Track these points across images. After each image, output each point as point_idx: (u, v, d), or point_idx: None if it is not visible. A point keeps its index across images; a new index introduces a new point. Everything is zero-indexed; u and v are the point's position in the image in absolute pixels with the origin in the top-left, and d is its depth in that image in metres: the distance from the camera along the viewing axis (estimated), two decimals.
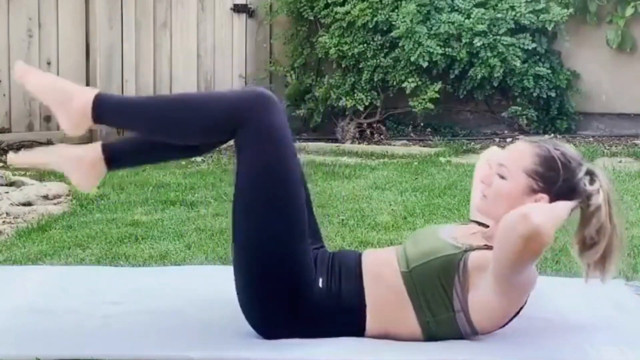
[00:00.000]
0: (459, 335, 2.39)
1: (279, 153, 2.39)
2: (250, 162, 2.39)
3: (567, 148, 2.42)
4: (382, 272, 2.42)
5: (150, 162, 2.67)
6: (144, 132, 2.52)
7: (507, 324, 2.40)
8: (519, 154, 2.40)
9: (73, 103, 2.49)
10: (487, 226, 2.48)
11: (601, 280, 2.43)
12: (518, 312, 2.40)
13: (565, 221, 2.33)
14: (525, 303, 2.39)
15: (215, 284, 2.85)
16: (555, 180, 2.36)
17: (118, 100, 2.53)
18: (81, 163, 2.59)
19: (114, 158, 2.59)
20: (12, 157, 2.66)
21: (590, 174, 2.40)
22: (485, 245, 2.38)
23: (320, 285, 2.41)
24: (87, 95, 2.48)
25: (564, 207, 2.30)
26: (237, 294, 2.43)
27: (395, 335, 2.39)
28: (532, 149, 2.39)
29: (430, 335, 2.38)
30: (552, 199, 2.34)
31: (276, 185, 2.38)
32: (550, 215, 2.23)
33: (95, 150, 2.59)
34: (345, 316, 2.40)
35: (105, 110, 2.47)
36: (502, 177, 2.39)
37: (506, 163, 2.40)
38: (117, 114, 2.49)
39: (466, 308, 2.35)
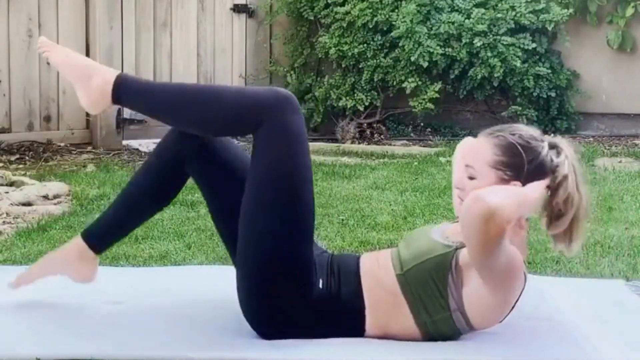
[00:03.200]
0: (457, 333, 2.39)
1: (295, 154, 2.40)
2: (265, 160, 2.40)
3: (524, 129, 2.42)
4: (378, 275, 2.43)
5: (133, 228, 2.71)
6: (163, 119, 2.53)
7: (504, 318, 2.39)
8: (480, 151, 2.40)
9: (93, 81, 2.50)
10: None
11: (567, 251, 2.41)
12: (513, 306, 2.38)
13: (542, 201, 2.33)
14: (519, 296, 2.38)
15: (215, 284, 2.85)
16: (522, 165, 2.35)
17: (140, 85, 2.53)
18: (70, 261, 2.66)
19: (98, 242, 2.66)
20: (12, 285, 2.70)
21: (554, 146, 2.40)
22: None
23: (320, 286, 2.41)
24: (109, 76, 2.49)
25: (534, 187, 2.30)
26: (238, 291, 2.43)
27: (394, 336, 2.40)
28: (491, 141, 2.39)
29: (429, 335, 2.39)
30: (525, 183, 2.33)
31: (287, 186, 2.39)
32: (508, 195, 2.23)
33: (77, 243, 2.66)
34: (344, 317, 2.40)
35: (125, 93, 2.49)
36: (472, 178, 2.39)
37: (471, 163, 2.40)
38: (137, 98, 2.51)
39: (462, 306, 2.35)
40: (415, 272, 2.38)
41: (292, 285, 2.39)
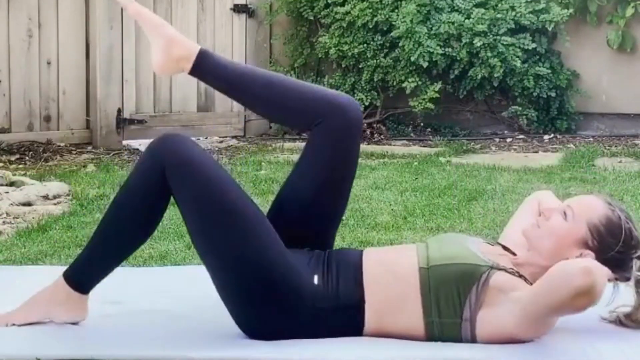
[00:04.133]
0: (458, 340, 2.38)
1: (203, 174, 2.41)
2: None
3: (636, 226, 2.43)
4: (395, 265, 2.41)
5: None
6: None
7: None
8: (589, 205, 2.42)
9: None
10: (514, 253, 2.49)
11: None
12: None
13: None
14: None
15: None
16: (611, 248, 2.37)
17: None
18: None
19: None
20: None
21: None
22: (512, 269, 2.38)
23: (316, 282, 2.40)
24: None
25: (607, 273, 2.31)
26: (229, 311, 2.43)
27: (394, 332, 2.39)
28: (605, 208, 2.40)
29: (432, 335, 2.38)
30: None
31: (216, 206, 2.39)
32: (605, 275, 2.25)
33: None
34: (343, 313, 2.39)
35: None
36: (564, 217, 2.40)
37: (573, 207, 2.41)
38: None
39: (474, 320, 2.34)
40: (441, 271, 2.36)
41: (276, 292, 2.36)
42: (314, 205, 2.52)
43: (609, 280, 2.37)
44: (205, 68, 2.53)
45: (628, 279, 2.42)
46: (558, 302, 2.22)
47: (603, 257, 2.35)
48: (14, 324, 2.50)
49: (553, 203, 2.59)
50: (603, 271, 2.25)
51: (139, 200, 2.45)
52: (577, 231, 2.38)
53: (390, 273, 2.40)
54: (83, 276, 2.51)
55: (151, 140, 2.52)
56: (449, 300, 2.35)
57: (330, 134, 2.48)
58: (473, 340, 2.36)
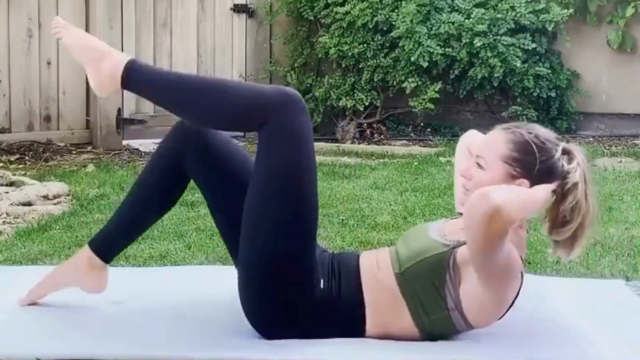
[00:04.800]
0: (455, 332, 2.39)
1: (300, 154, 2.40)
2: (269, 160, 2.40)
3: (541, 129, 2.41)
4: (378, 274, 2.43)
5: (141, 233, 2.73)
6: (170, 109, 2.53)
7: (502, 316, 2.39)
8: (493, 143, 2.39)
9: (104, 64, 2.50)
10: None
11: (565, 257, 2.40)
12: (512, 304, 2.38)
13: (546, 204, 2.33)
14: (517, 293, 2.37)
15: (215, 284, 2.85)
16: (533, 164, 2.35)
17: (150, 72, 2.52)
18: (80, 272, 2.65)
19: (107, 250, 2.66)
20: (24, 301, 2.69)
21: (568, 152, 2.39)
22: None
23: (322, 286, 2.41)
24: (119, 59, 2.49)
25: (540, 190, 2.29)
26: (240, 291, 2.43)
27: (393, 335, 2.40)
28: (506, 136, 2.38)
29: (427, 334, 2.39)
30: (533, 183, 2.33)
31: (291, 187, 2.39)
32: (514, 195, 2.23)
33: (86, 254, 2.66)
34: (344, 317, 2.40)
35: (135, 78, 2.49)
36: (481, 168, 2.38)
37: (482, 153, 2.39)
38: (146, 85, 2.51)
39: (459, 305, 2.35)
40: (413, 271, 2.37)
41: (294, 286, 2.39)
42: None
43: (553, 191, 2.34)
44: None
45: (566, 182, 2.36)
46: (481, 237, 2.19)
47: (534, 175, 2.33)
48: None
49: (478, 141, 2.53)
50: (508, 189, 2.24)
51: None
52: (498, 171, 2.36)
53: (377, 281, 2.42)
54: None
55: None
56: (431, 297, 2.36)
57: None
58: (467, 325, 2.37)
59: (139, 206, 2.65)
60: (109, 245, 2.66)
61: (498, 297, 2.33)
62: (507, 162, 2.36)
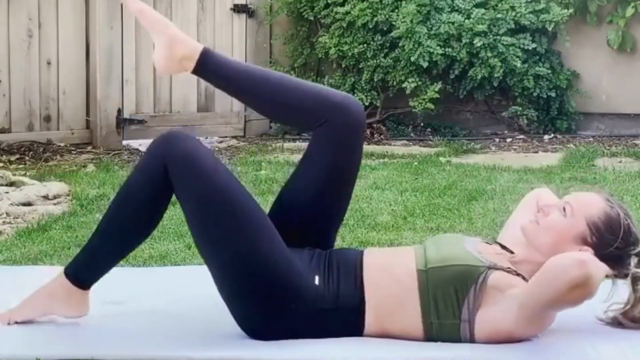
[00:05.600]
0: (457, 341, 2.38)
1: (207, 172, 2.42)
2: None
3: (635, 222, 2.43)
4: (394, 267, 2.41)
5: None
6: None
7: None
8: (588, 201, 2.42)
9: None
10: (512, 252, 2.48)
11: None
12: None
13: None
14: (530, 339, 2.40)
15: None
16: (609, 244, 2.37)
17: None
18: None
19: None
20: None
21: None
22: (509, 268, 2.38)
23: (317, 282, 2.40)
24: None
25: (605, 268, 2.30)
26: (230, 310, 2.43)
27: (394, 333, 2.39)
28: (604, 205, 2.41)
29: (430, 336, 2.38)
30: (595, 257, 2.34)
31: (219, 204, 2.38)
32: (601, 269, 2.25)
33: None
34: (343, 314, 2.39)
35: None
36: (562, 212, 2.40)
37: (572, 203, 2.41)
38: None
39: (473, 320, 2.34)
40: (439, 273, 2.36)
41: (274, 288, 2.36)
42: (316, 206, 2.52)
43: (607, 276, 2.37)
44: (208, 68, 2.53)
45: (626, 276, 2.41)
46: (554, 296, 2.21)
47: (601, 253, 2.35)
48: (15, 322, 2.51)
49: (552, 200, 2.59)
50: (598, 263, 2.25)
51: (141, 196, 2.45)
52: (576, 227, 2.38)
53: (389, 275, 2.40)
54: (84, 272, 2.51)
55: (151, 140, 2.52)
56: (448, 302, 2.35)
57: (334, 135, 2.48)
58: (472, 340, 2.36)
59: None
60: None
61: (519, 335, 2.35)
62: (590, 226, 2.38)
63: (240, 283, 2.38)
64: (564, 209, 2.41)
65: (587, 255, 2.27)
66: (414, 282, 2.38)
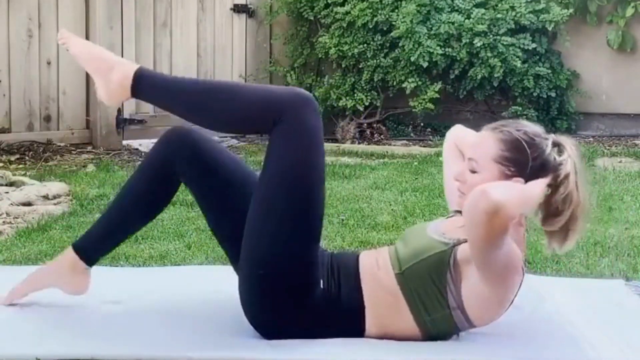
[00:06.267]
0: (457, 330, 2.39)
1: (309, 155, 2.41)
2: (280, 160, 2.41)
3: (529, 125, 2.42)
4: (378, 274, 2.43)
5: (125, 238, 2.72)
6: (182, 115, 2.54)
7: (502, 313, 2.39)
8: (484, 144, 2.39)
9: (113, 74, 2.50)
10: None
11: (558, 251, 2.41)
12: (512, 302, 2.38)
13: (541, 198, 2.33)
14: (517, 289, 2.37)
15: (215, 284, 2.85)
16: (526, 161, 2.36)
17: (159, 78, 2.54)
18: (62, 274, 2.64)
19: (90, 254, 2.64)
20: (4, 300, 2.68)
21: (558, 144, 2.40)
22: None
23: (321, 286, 2.41)
24: (128, 68, 2.50)
25: (536, 185, 2.29)
26: (241, 292, 2.43)
27: (394, 335, 2.40)
28: (496, 136, 2.39)
29: (429, 333, 2.39)
30: (527, 180, 2.33)
31: (300, 188, 2.39)
32: (512, 191, 2.23)
33: (69, 256, 2.65)
34: (344, 317, 2.40)
35: (144, 86, 2.50)
36: (474, 172, 2.39)
37: (474, 156, 2.40)
38: (156, 92, 2.52)
39: (461, 304, 2.35)
40: (413, 271, 2.37)
41: (296, 287, 2.39)
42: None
43: (549, 185, 2.34)
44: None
45: (558, 173, 2.37)
46: (483, 234, 2.19)
47: (527, 172, 2.34)
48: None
49: (467, 138, 2.56)
50: (506, 185, 2.25)
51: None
52: (491, 173, 2.36)
53: (377, 281, 2.43)
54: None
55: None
56: (432, 296, 2.36)
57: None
58: (469, 323, 2.37)
59: (126, 212, 2.62)
60: (94, 249, 2.65)
61: (499, 294, 2.33)
62: (499, 162, 2.37)
63: (274, 265, 2.38)
64: (473, 168, 2.39)
65: (491, 183, 2.24)
66: (395, 286, 2.40)
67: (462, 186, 2.42)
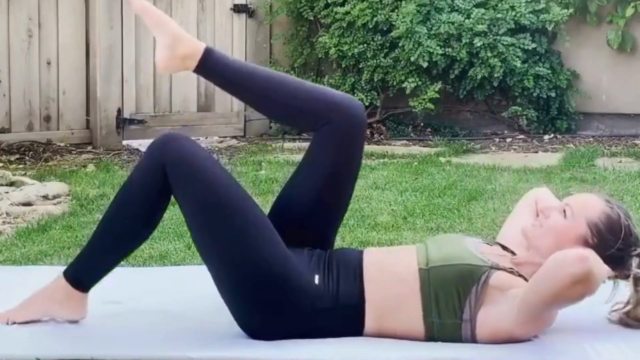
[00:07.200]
0: (458, 341, 2.38)
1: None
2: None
3: (635, 223, 2.43)
4: (395, 266, 2.41)
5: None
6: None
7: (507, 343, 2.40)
8: (588, 203, 2.42)
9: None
10: (514, 253, 2.49)
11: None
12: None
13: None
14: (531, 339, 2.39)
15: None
16: (611, 245, 2.38)
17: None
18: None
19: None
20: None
21: None
22: (511, 269, 2.38)
23: (317, 282, 2.40)
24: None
25: (607, 270, 2.30)
26: (230, 310, 2.43)
27: (395, 334, 2.39)
28: (603, 206, 2.41)
29: (431, 335, 2.38)
30: None
31: (215, 203, 2.38)
32: (602, 267, 2.24)
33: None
34: (343, 313, 2.39)
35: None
36: (563, 215, 2.40)
37: (572, 205, 2.41)
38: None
39: (474, 320, 2.34)
40: (440, 272, 2.37)
41: (275, 289, 2.37)
42: (316, 205, 2.52)
43: (609, 277, 2.37)
44: (210, 67, 2.52)
45: (628, 277, 2.42)
46: (555, 291, 2.21)
47: (603, 254, 2.34)
48: (14, 322, 2.51)
49: (551, 201, 2.59)
50: (599, 260, 2.24)
51: (140, 198, 2.46)
52: (577, 229, 2.38)
53: (390, 274, 2.40)
54: (83, 274, 2.52)
55: (151, 140, 2.52)
56: (449, 301, 2.35)
57: (335, 136, 2.48)
58: (473, 340, 2.36)
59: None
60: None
61: (518, 334, 2.35)
62: (590, 227, 2.38)
63: (240, 284, 2.38)
64: (564, 211, 2.41)
65: (589, 251, 2.26)
66: (415, 280, 2.38)
67: (542, 219, 2.43)
